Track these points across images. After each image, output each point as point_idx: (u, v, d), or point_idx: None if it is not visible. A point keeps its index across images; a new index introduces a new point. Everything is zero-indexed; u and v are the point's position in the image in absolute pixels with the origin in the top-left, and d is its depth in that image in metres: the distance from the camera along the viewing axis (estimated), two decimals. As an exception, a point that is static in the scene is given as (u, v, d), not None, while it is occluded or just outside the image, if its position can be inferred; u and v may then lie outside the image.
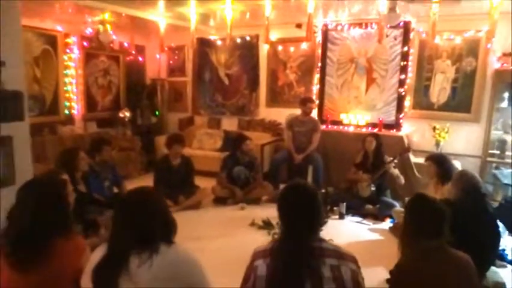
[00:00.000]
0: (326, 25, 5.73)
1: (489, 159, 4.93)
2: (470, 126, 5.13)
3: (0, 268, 1.51)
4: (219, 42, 6.59)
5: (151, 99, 6.87)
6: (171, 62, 7.18)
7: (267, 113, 6.43)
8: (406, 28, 5.22)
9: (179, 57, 7.09)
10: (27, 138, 2.45)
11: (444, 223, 1.76)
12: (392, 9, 3.23)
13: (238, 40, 6.31)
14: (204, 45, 6.65)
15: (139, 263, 1.34)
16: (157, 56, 7.04)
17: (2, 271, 1.50)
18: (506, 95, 4.85)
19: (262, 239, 3.63)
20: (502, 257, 3.34)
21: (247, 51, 6.43)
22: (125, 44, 6.52)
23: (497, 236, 2.88)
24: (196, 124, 6.88)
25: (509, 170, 4.52)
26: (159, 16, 5.43)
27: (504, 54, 4.79)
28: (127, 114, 6.34)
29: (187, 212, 4.41)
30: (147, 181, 5.21)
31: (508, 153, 4.88)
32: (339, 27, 5.68)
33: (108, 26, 5.35)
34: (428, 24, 4.18)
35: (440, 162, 3.61)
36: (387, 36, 5.23)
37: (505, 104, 4.88)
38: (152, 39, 7.00)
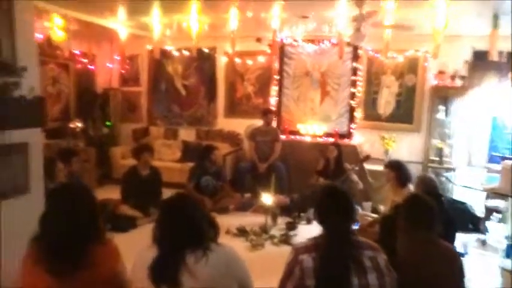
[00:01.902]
0: (282, 40, 6.03)
1: (430, 164, 5.54)
2: (412, 135, 5.74)
3: (36, 274, 1.47)
4: (175, 53, 6.59)
5: (102, 109, 6.61)
6: (123, 71, 7.00)
7: (225, 123, 6.54)
8: (355, 46, 5.70)
9: (131, 66, 6.94)
10: (41, 145, 2.33)
11: (435, 217, 2.04)
12: (357, 30, 3.58)
13: (194, 51, 6.34)
14: (160, 55, 6.59)
15: (195, 260, 1.44)
16: (109, 65, 6.82)
17: (39, 277, 1.46)
18: (442, 107, 5.51)
19: (242, 246, 3.72)
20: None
21: (204, 62, 6.51)
22: (76, 52, 6.23)
23: (453, 231, 3.31)
24: (152, 135, 6.75)
25: (450, 173, 5.14)
26: (119, 24, 5.32)
27: (440, 72, 5.45)
28: (79, 124, 6.04)
29: (157, 223, 4.34)
30: (105, 193, 5.00)
31: (445, 159, 5.53)
32: (294, 43, 6.02)
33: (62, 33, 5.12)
34: (374, 43, 4.70)
35: (397, 168, 4.00)
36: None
37: (441, 115, 5.53)
38: (103, 47, 6.78)
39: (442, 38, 4.06)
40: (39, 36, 5.45)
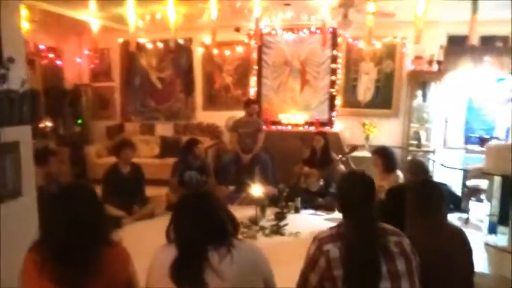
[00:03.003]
0: (260, 30, 5.92)
1: (409, 148, 5.64)
2: (391, 120, 5.83)
3: (41, 284, 1.33)
4: (149, 45, 6.34)
5: (73, 106, 6.29)
6: (92, 66, 6.67)
7: (204, 116, 6.39)
8: (334, 33, 5.70)
9: (101, 61, 6.63)
10: (31, 144, 2.13)
11: (443, 201, 2.03)
12: (345, 16, 3.54)
13: (171, 43, 6.15)
14: (132, 48, 6.33)
15: (220, 259, 1.35)
16: (78, 60, 6.48)
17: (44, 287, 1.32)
18: (419, 92, 5.61)
19: (234, 240, 3.64)
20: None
21: (180, 54, 6.31)
22: (42, 47, 5.86)
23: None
24: (127, 131, 6.50)
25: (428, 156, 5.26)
26: (89, 16, 5.04)
27: (416, 57, 5.54)
28: (48, 124, 5.71)
29: (143, 222, 4.19)
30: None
31: (423, 142, 5.65)
32: (273, 32, 5.94)
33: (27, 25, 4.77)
34: (352, 30, 4.75)
35: (385, 155, 4.05)
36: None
37: (418, 100, 5.64)
38: (71, 42, 6.43)
39: (422, 23, 4.11)
40: None
